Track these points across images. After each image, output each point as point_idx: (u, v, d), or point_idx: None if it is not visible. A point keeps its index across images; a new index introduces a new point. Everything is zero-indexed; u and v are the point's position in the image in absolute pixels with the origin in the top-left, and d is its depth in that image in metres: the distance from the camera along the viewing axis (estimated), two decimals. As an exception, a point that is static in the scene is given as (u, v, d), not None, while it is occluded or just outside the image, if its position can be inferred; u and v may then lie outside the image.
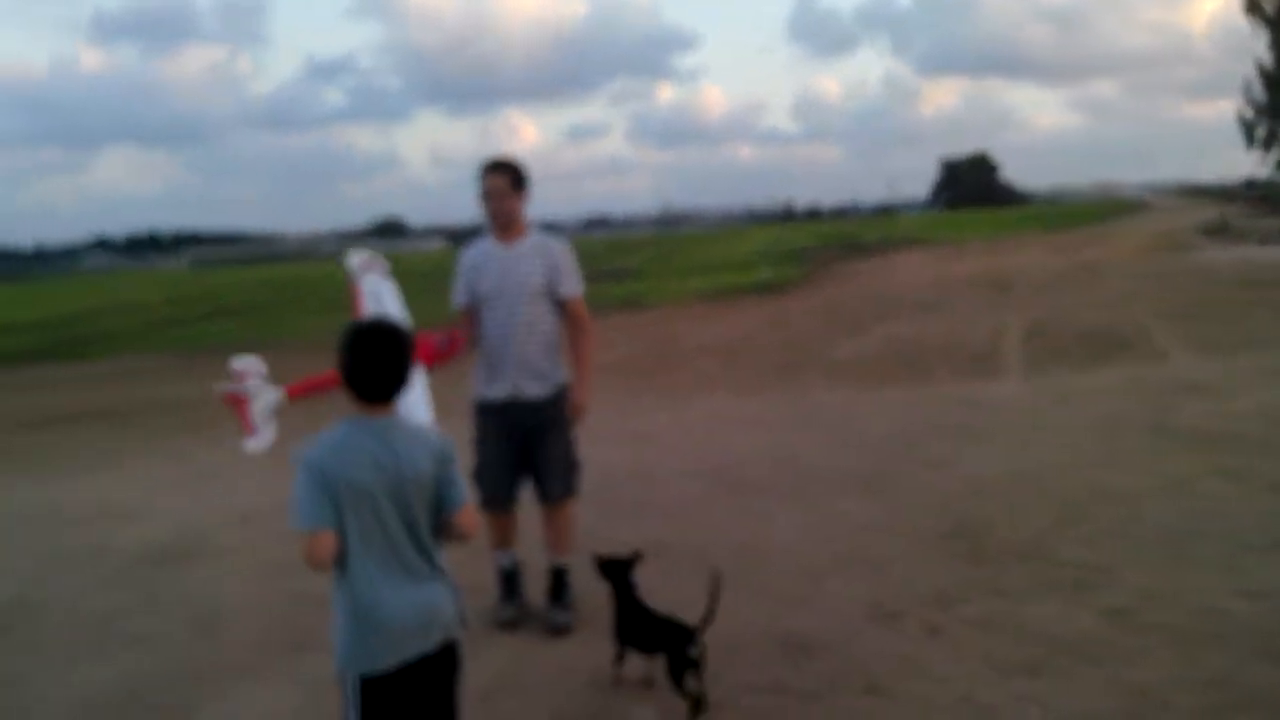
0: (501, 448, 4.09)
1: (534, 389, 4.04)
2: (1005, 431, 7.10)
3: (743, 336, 13.55)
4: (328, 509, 2.21)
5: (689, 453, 7.22)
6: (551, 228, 6.14)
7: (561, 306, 4.10)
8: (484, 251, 4.12)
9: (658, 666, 3.37)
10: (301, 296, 27.95)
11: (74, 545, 5.81)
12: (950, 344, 11.26)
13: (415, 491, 2.30)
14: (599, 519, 5.17)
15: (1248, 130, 40.18)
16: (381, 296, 3.91)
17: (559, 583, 4.20)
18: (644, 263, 30.83)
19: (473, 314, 4.12)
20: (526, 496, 4.20)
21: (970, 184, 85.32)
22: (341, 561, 2.25)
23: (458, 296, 4.16)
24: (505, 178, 4.02)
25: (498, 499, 4.11)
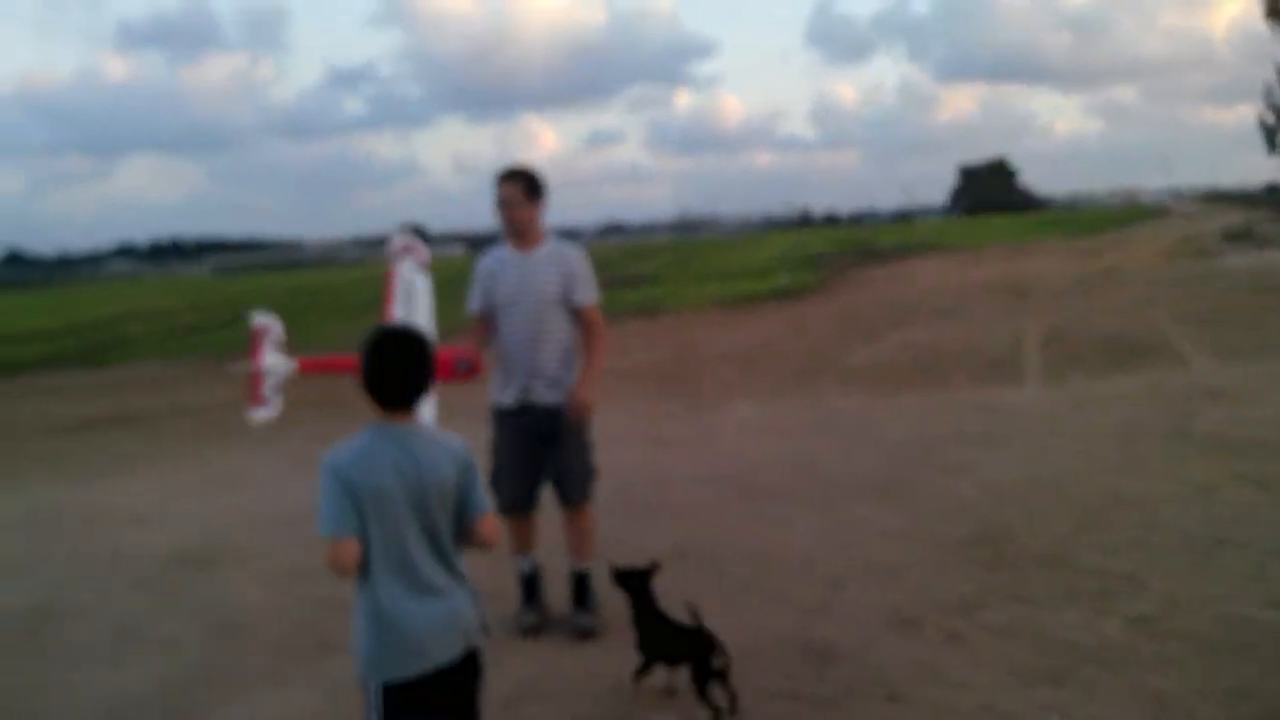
0: (518, 453, 4.11)
1: (548, 395, 4.06)
2: (1024, 437, 7.05)
3: (760, 343, 13.52)
4: (351, 515, 2.22)
5: (707, 458, 7.22)
6: (569, 234, 6.17)
7: (577, 314, 4.12)
8: (500, 259, 4.14)
9: (680, 675, 3.35)
10: (323, 303, 28.08)
11: (96, 550, 5.86)
12: (968, 350, 11.20)
13: (437, 498, 2.31)
14: (616, 524, 5.17)
15: (1269, 135, 39.81)
16: (412, 294, 3.94)
17: (582, 587, 4.21)
18: (661, 268, 30.80)
19: (487, 320, 4.15)
20: (546, 501, 4.21)
21: (989, 190, 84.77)
22: (364, 568, 2.26)
23: (472, 303, 4.19)
24: (520, 186, 4.04)
25: (516, 504, 4.13)
